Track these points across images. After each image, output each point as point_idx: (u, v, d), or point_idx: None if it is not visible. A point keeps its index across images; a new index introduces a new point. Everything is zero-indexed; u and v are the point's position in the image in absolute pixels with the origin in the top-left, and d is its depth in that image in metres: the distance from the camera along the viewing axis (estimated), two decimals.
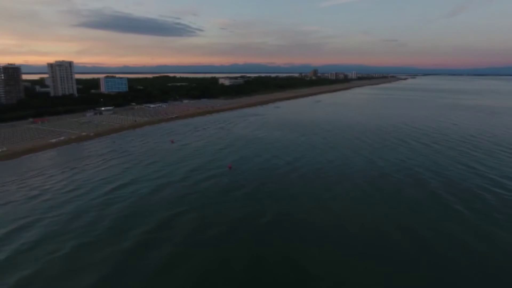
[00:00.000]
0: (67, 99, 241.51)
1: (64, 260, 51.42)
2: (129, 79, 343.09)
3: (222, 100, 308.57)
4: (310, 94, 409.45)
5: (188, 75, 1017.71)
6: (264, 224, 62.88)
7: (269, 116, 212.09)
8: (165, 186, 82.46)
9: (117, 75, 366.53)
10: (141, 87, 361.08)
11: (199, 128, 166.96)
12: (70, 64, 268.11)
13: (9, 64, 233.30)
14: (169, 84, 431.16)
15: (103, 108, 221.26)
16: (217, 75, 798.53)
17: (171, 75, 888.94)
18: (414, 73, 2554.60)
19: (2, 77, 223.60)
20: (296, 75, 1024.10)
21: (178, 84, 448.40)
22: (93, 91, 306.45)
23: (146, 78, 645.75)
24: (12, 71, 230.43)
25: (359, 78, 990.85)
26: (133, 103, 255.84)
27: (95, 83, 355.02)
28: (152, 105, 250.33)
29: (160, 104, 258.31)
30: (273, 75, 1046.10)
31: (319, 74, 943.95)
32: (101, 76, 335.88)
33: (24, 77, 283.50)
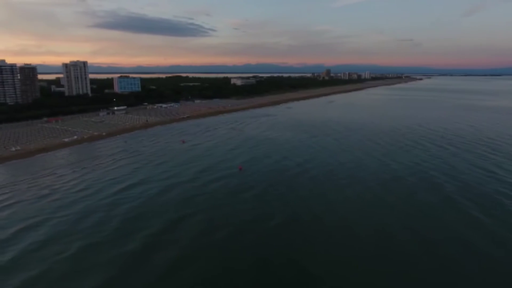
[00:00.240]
0: (81, 99, 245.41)
1: (71, 261, 51.29)
2: (142, 79, 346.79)
3: (234, 100, 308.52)
4: (322, 94, 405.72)
5: (200, 75, 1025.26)
6: (273, 227, 61.62)
7: (280, 116, 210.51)
8: (174, 187, 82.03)
9: (131, 75, 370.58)
10: (154, 87, 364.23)
11: (210, 128, 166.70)
12: (84, 64, 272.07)
13: (25, 64, 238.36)
14: (182, 84, 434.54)
15: (115, 108, 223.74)
16: (229, 75, 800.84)
17: (184, 75, 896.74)
18: (429, 73, 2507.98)
19: (19, 77, 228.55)
20: (309, 75, 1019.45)
21: (191, 84, 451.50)
22: (107, 90, 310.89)
23: (159, 78, 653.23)
24: (28, 71, 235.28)
25: (373, 78, 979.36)
26: (146, 103, 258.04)
27: (109, 83, 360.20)
28: (164, 105, 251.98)
29: (172, 104, 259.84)
30: (285, 75, 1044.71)
31: (332, 74, 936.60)
32: (115, 76, 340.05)
33: (41, 77, 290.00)
